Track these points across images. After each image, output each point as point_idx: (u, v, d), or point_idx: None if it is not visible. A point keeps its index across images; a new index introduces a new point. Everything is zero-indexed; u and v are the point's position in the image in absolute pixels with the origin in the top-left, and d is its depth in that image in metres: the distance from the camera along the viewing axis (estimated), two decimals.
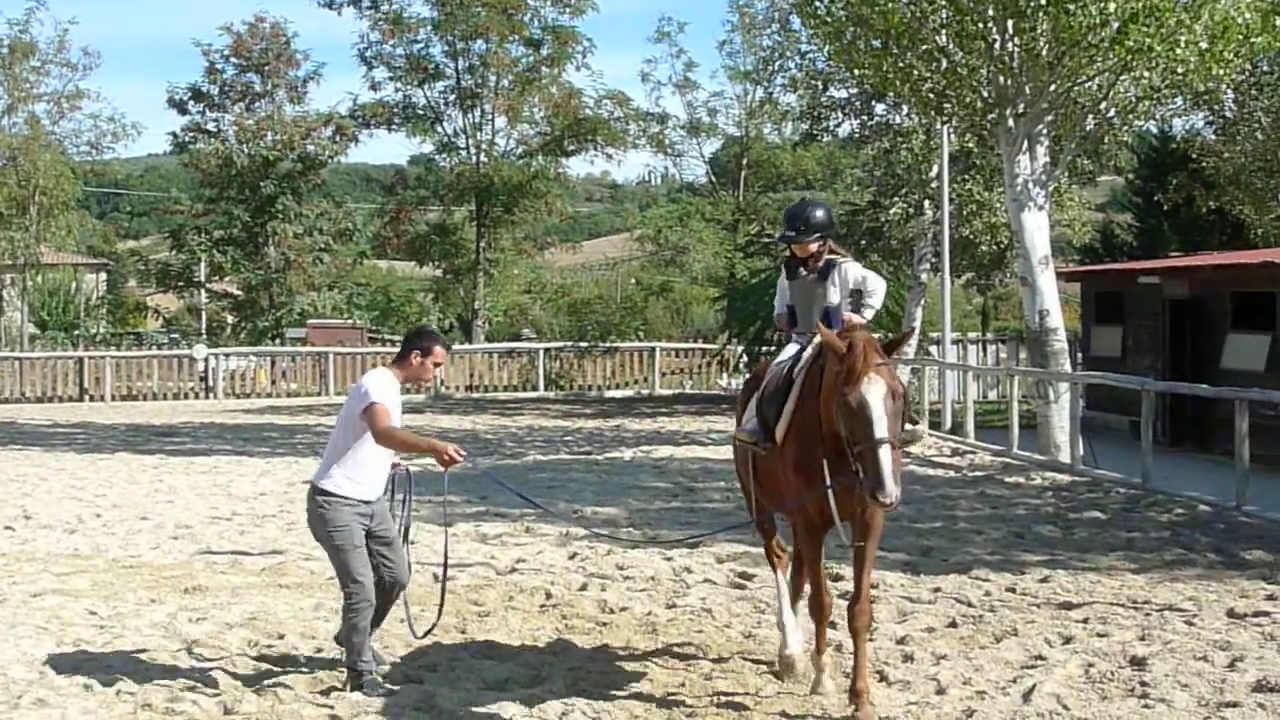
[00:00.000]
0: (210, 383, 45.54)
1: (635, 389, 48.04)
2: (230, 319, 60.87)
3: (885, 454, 8.73)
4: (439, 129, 56.90)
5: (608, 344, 50.25)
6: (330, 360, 45.63)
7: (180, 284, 59.98)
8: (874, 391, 8.87)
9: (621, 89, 58.25)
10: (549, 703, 9.85)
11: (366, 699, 9.89)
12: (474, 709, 9.77)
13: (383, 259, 73.97)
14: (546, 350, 49.42)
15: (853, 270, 10.62)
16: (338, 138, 57.60)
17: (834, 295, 10.56)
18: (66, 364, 45.72)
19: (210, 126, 57.84)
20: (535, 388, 47.30)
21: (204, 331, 61.24)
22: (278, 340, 52.89)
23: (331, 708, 9.82)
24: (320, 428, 33.65)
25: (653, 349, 49.61)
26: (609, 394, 46.96)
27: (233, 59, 56.90)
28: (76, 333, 61.72)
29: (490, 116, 56.48)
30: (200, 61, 57.52)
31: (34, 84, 57.81)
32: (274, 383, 45.84)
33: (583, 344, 49.93)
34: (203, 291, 61.64)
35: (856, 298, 10.52)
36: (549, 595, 13.28)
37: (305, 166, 57.20)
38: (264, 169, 55.91)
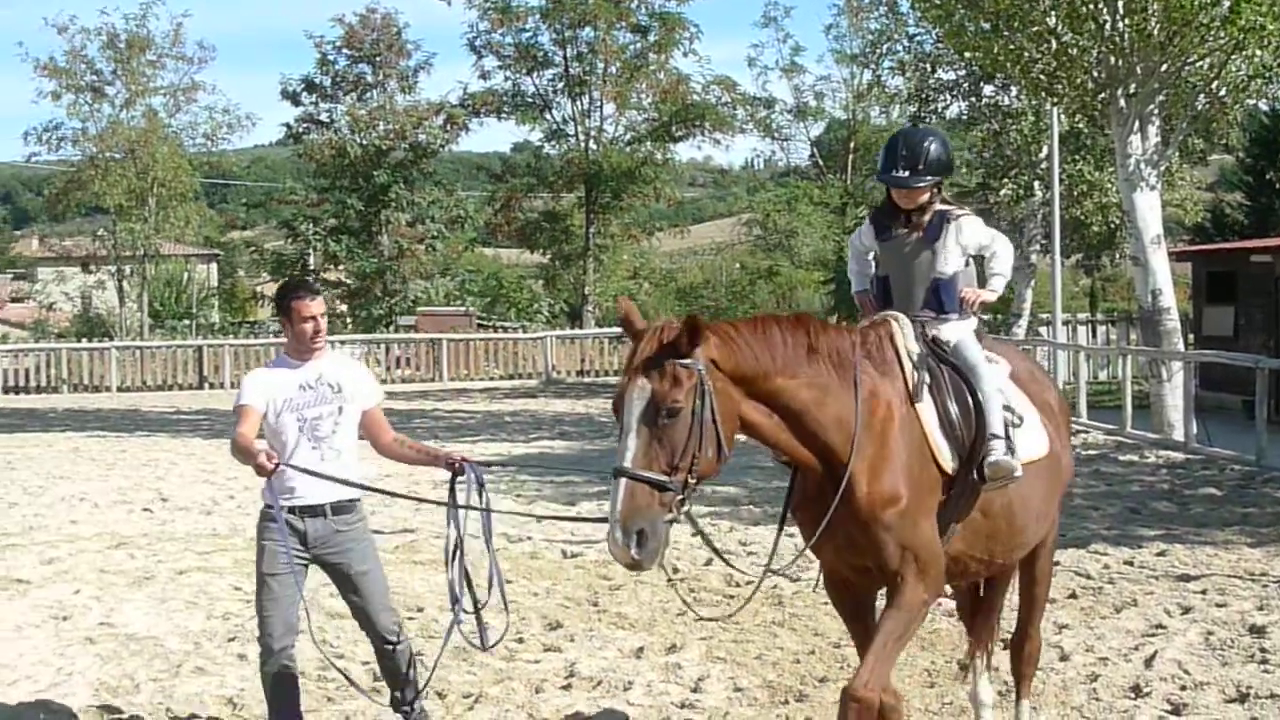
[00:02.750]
0: None
1: None
2: (343, 307, 61.69)
3: (620, 490, 6.31)
4: (548, 116, 57.48)
5: None
6: (444, 347, 46.15)
7: (295, 273, 60.87)
8: (629, 400, 6.43)
9: (728, 74, 58.35)
10: (686, 669, 10.26)
11: (508, 664, 10.27)
12: (616, 675, 10.18)
13: (492, 246, 74.63)
14: None
15: (973, 227, 7.80)
16: (448, 126, 58.18)
17: (947, 262, 7.72)
18: (186, 353, 46.51)
19: (323, 117, 58.70)
20: None
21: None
22: (390, 328, 53.57)
23: (475, 675, 10.23)
24: (437, 413, 34.30)
25: None
26: None
27: (345, 50, 57.63)
28: (187, 322, 62.86)
29: (598, 103, 56.96)
30: (313, 53, 58.41)
31: (151, 77, 59.12)
32: (389, 369, 46.40)
33: None
34: (316, 280, 62.50)
35: (978, 267, 8.03)
36: (675, 570, 13.58)
37: (416, 155, 57.81)
38: (376, 158, 56.61)
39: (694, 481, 6.44)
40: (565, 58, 56.43)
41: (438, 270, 59.94)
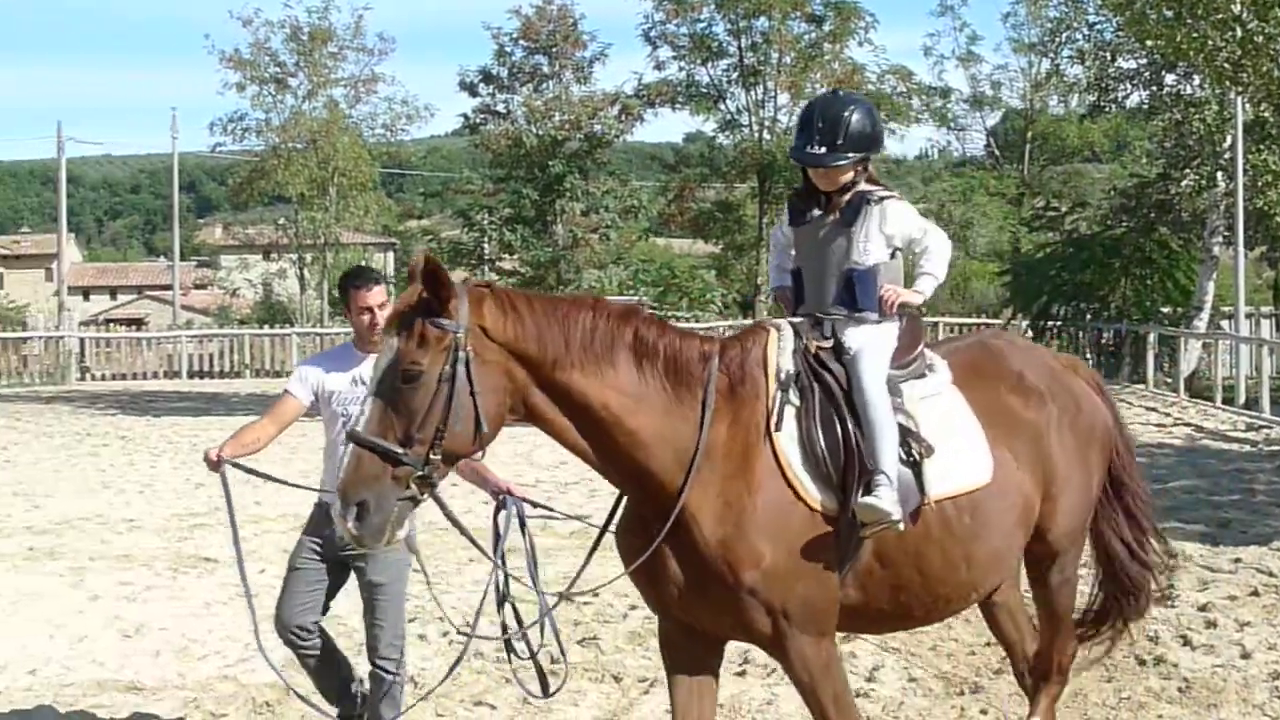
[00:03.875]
0: None
1: None
2: None
3: (347, 456, 5.79)
4: (722, 107, 57.51)
5: None
6: None
7: (471, 262, 61.49)
8: (378, 359, 5.90)
9: (904, 63, 57.93)
10: (861, 659, 10.29)
11: None
12: None
13: (664, 236, 74.82)
14: None
15: (901, 215, 6.64)
16: (623, 117, 58.42)
17: (866, 251, 6.58)
18: None
19: (500, 108, 59.20)
20: None
21: None
22: None
23: (650, 660, 10.32)
24: None
25: (935, 324, 49.39)
26: None
27: (522, 42, 58.05)
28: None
29: (772, 93, 56.89)
30: (490, 45, 58.97)
31: (332, 69, 60.30)
32: None
33: None
34: (490, 269, 63.12)
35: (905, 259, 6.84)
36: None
37: (591, 146, 58.10)
38: (551, 148, 56.95)
39: (437, 458, 5.73)
40: (740, 48, 56.44)
41: (611, 260, 60.15)
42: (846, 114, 6.50)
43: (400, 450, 5.66)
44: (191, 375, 46.22)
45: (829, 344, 6.47)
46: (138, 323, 74.78)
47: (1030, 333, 43.76)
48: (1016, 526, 6.81)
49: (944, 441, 6.42)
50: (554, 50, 57.75)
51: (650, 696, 9.69)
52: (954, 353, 7.14)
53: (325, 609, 8.21)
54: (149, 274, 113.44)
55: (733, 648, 10.37)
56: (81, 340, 50.08)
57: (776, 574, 5.99)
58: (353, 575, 8.33)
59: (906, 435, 6.29)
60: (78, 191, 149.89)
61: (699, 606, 6.20)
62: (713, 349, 6.26)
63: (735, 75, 56.97)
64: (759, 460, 6.08)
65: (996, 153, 63.74)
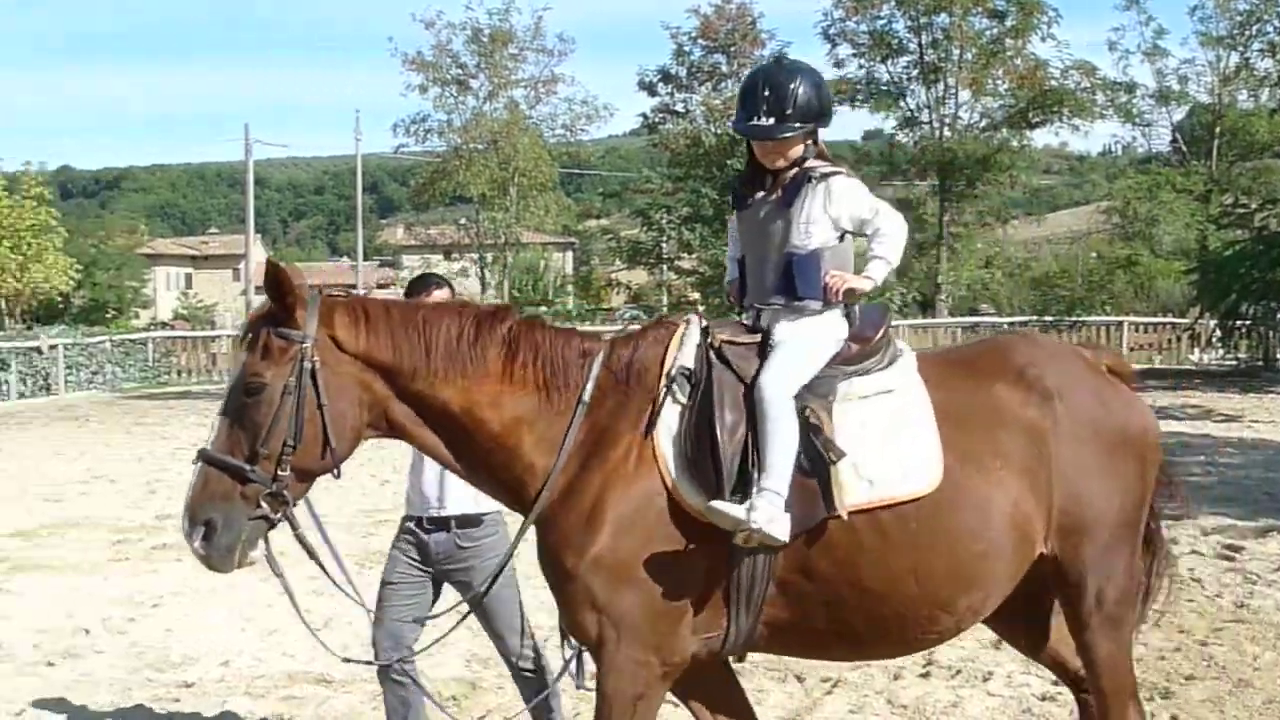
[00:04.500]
0: None
1: None
2: (695, 295, 62.31)
3: (194, 474, 5.52)
4: (901, 104, 57.14)
5: (1073, 318, 49.60)
6: None
7: (650, 261, 61.68)
8: (231, 377, 5.74)
9: (1087, 58, 56.99)
10: None
11: None
12: (975, 664, 10.16)
13: None
14: (1010, 324, 48.99)
15: (848, 194, 6.03)
16: None
17: (808, 233, 5.99)
18: None
19: (678, 107, 59.38)
20: None
21: (668, 307, 62.92)
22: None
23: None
24: None
25: (1120, 323, 48.63)
26: None
27: (700, 41, 58.19)
28: (544, 309, 64.37)
29: (953, 90, 56.35)
30: (669, 44, 59.15)
31: (512, 70, 60.88)
32: None
33: (1047, 318, 49.38)
34: (669, 268, 63.25)
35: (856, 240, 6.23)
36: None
37: None
38: (730, 147, 56.93)
39: (285, 474, 5.45)
40: (920, 44, 56.05)
41: None
42: (794, 84, 5.99)
43: (247, 467, 5.41)
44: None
45: (751, 338, 5.92)
46: None
47: (1219, 331, 42.91)
48: (994, 536, 5.92)
49: (878, 444, 5.77)
50: (733, 49, 57.79)
51: (833, 696, 9.68)
52: (951, 350, 6.89)
53: (422, 624, 7.76)
54: (332, 274, 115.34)
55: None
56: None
57: (609, 566, 5.53)
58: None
59: (813, 438, 5.65)
60: (264, 193, 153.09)
61: (561, 607, 5.82)
62: (596, 347, 5.90)
63: (915, 72, 56.60)
64: (630, 457, 5.65)
65: (1183, 148, 62.38)
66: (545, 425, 5.73)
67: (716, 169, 56.78)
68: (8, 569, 14.40)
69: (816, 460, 5.62)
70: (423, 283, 7.89)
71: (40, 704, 9.68)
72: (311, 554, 5.91)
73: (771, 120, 5.94)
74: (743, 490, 5.53)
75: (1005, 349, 6.35)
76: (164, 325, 66.60)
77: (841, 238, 6.03)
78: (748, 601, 5.69)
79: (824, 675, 10.05)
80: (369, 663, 7.36)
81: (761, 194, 6.11)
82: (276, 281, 5.51)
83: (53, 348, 40.07)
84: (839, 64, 57.20)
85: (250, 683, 10.37)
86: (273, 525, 5.53)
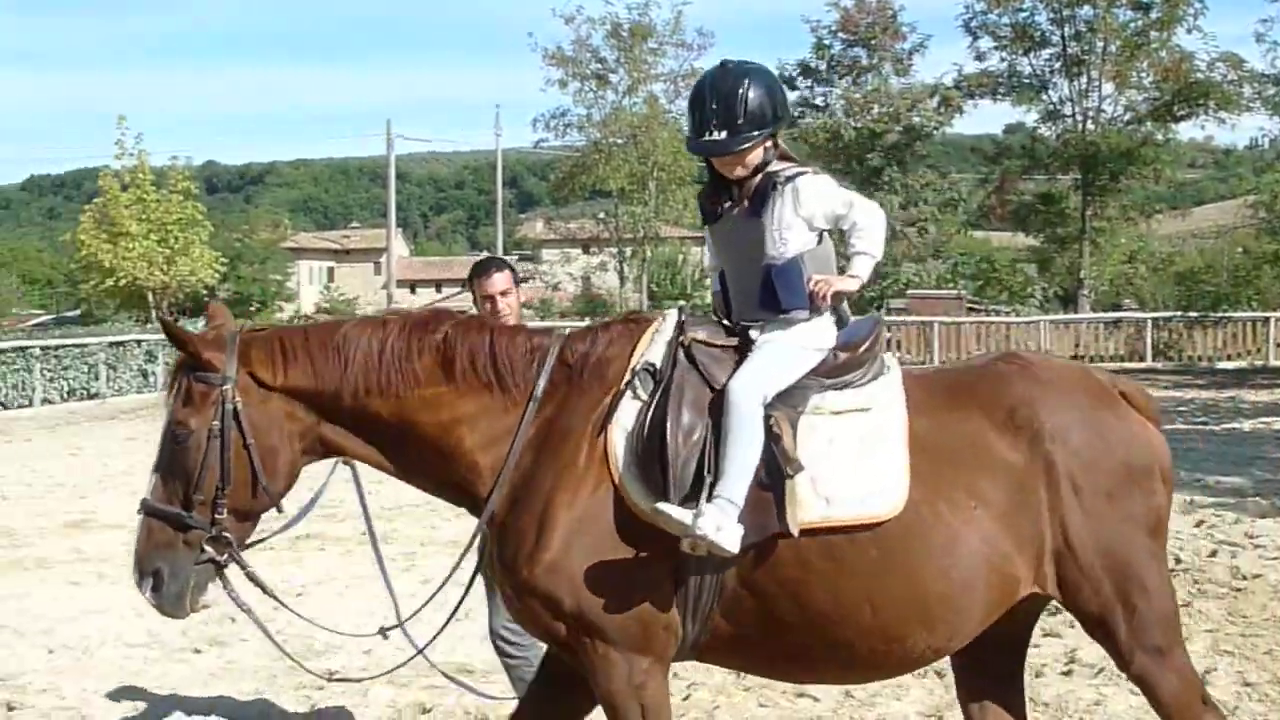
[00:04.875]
0: None
1: (1248, 360, 46.33)
2: None
3: (139, 526, 5.56)
4: (1044, 97, 56.58)
5: (1218, 314, 48.77)
6: (934, 330, 46.02)
7: None
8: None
9: (1234, 50, 56.00)
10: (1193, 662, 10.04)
11: None
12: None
13: (983, 229, 73.93)
14: (1154, 320, 48.26)
15: (816, 192, 5.70)
16: (943, 109, 57.94)
17: (784, 241, 5.67)
18: None
19: (818, 101, 59.27)
20: (1142, 358, 46.21)
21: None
22: (882, 310, 53.78)
23: None
24: None
25: (1266, 319, 47.73)
26: (1220, 365, 45.53)
27: (840, 34, 58.02)
28: (683, 303, 64.42)
29: (1097, 83, 55.68)
30: (808, 38, 59.03)
31: (652, 65, 61.01)
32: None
33: (1192, 314, 48.60)
34: None
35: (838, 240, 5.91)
36: (1178, 560, 13.20)
37: (910, 138, 57.78)
38: (870, 141, 56.84)
39: (222, 517, 5.44)
40: (1063, 37, 55.47)
41: (929, 253, 59.75)
42: (742, 89, 5.61)
43: (185, 514, 5.41)
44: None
45: (727, 341, 5.70)
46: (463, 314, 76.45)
47: None
48: (962, 575, 5.57)
49: (843, 462, 5.48)
50: (873, 42, 57.57)
51: None
52: (944, 372, 6.45)
53: None
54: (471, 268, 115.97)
55: (1058, 648, 10.29)
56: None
57: (568, 572, 5.37)
58: None
59: (773, 448, 5.39)
60: (405, 187, 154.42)
61: (518, 615, 5.76)
62: (546, 342, 5.72)
63: (1058, 65, 56.03)
64: (583, 454, 5.48)
65: None
66: (490, 423, 5.61)
67: (856, 163, 56.63)
68: None
69: (775, 472, 5.37)
70: (483, 267, 7.88)
71: (188, 690, 9.87)
72: (264, 589, 5.76)
73: (724, 133, 5.61)
74: (696, 496, 5.29)
75: (1000, 382, 5.86)
76: (307, 319, 67.41)
77: (820, 238, 5.74)
78: (694, 609, 5.47)
79: None
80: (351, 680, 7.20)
81: (729, 204, 5.79)
82: (171, 336, 5.56)
83: None
84: (980, 57, 56.85)
85: (393, 673, 10.50)
86: (222, 567, 5.50)
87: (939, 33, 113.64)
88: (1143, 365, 45.46)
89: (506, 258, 8.07)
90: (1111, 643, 5.84)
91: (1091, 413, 5.83)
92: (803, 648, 5.60)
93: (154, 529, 5.43)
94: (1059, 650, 10.40)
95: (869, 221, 5.66)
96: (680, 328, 5.62)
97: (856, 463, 5.47)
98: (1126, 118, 55.87)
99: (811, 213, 5.63)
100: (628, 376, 5.52)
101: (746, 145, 5.61)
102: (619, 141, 60.08)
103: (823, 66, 58.64)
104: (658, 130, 59.51)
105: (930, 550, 5.51)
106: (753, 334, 5.68)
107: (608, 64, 60.82)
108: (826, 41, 58.25)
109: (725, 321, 5.83)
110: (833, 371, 5.66)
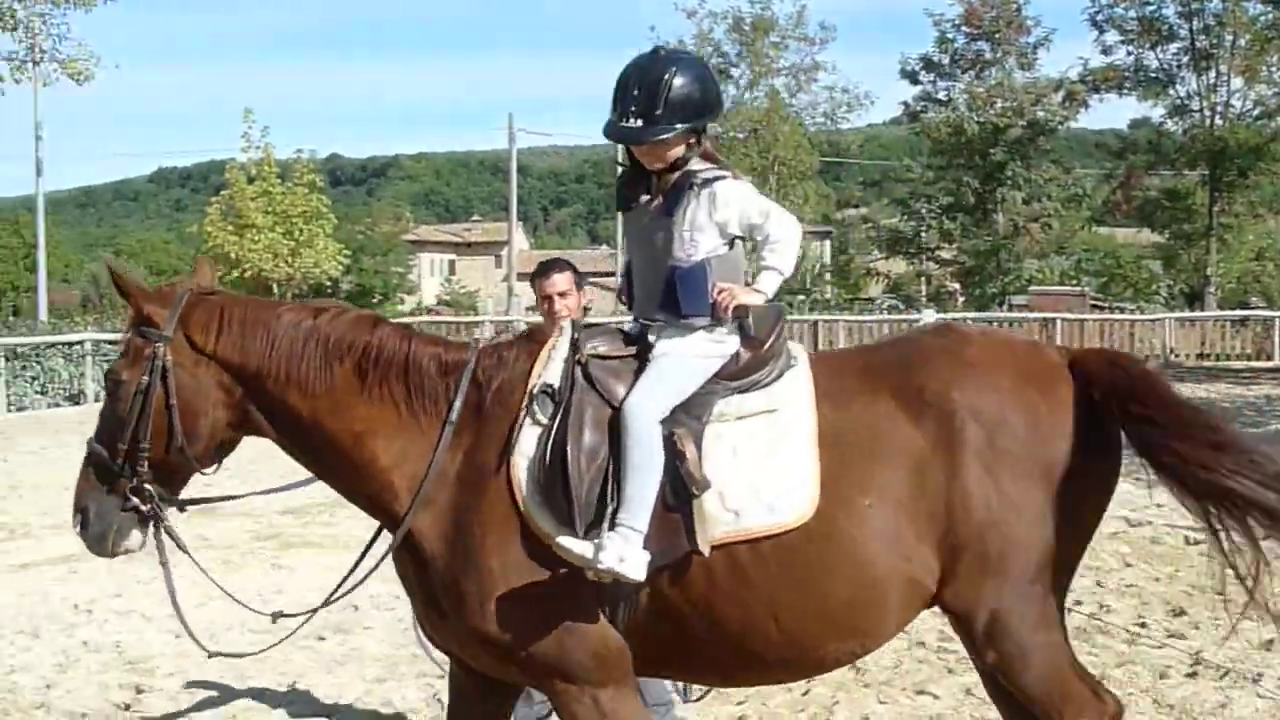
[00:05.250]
0: None
1: None
2: (955, 285, 61.72)
3: (81, 466, 5.66)
4: (1170, 91, 55.83)
5: None
6: (1057, 327, 45.55)
7: (910, 250, 61.32)
8: None
9: None
10: None
11: (1131, 648, 10.15)
12: (1245, 665, 9.91)
13: (1107, 225, 73.15)
14: None
15: (735, 198, 5.41)
16: (1068, 103, 57.39)
17: (693, 243, 5.42)
18: (801, 328, 47.59)
19: (941, 95, 58.91)
20: (1270, 357, 45.47)
21: (926, 297, 62.42)
22: (1003, 306, 53.31)
23: (1097, 656, 10.12)
24: None
25: None
26: None
27: (964, 28, 57.63)
28: (802, 298, 64.31)
29: (1225, 77, 54.90)
30: (932, 32, 58.69)
31: (774, 59, 60.96)
32: None
33: None
34: (928, 257, 62.76)
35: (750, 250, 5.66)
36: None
37: (1034, 133, 57.28)
38: (993, 136, 56.41)
39: (143, 470, 5.44)
40: (1191, 31, 54.74)
41: (1053, 249, 59.20)
42: (667, 77, 5.33)
43: (112, 462, 5.45)
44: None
45: (625, 352, 5.49)
46: (585, 310, 76.75)
47: None
48: (867, 581, 5.32)
49: (749, 471, 5.26)
50: (997, 36, 57.13)
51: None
52: (867, 350, 5.99)
53: None
54: (591, 261, 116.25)
55: (1182, 649, 10.17)
56: (528, 325, 51.73)
57: (511, 619, 5.21)
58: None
59: (678, 467, 5.17)
60: (526, 181, 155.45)
61: (448, 640, 5.58)
62: (463, 359, 5.49)
63: (1185, 59, 55.27)
64: (493, 484, 5.29)
65: None
66: (404, 444, 5.44)
67: (979, 157, 56.24)
68: (279, 546, 14.87)
69: (681, 491, 5.15)
70: (544, 267, 7.78)
71: (312, 676, 9.99)
72: (181, 547, 5.77)
73: (640, 121, 5.35)
74: (600, 522, 5.11)
75: (919, 358, 5.55)
76: (428, 311, 68.00)
77: (731, 244, 5.46)
78: (614, 623, 5.30)
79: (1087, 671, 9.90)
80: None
81: (646, 198, 5.53)
82: (115, 284, 5.61)
83: None
84: (1106, 51, 56.24)
85: None
86: (147, 518, 5.53)
87: (1064, 26, 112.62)
88: (1270, 364, 44.73)
89: (569, 259, 7.94)
90: (979, 653, 5.53)
91: (1016, 393, 5.44)
92: (715, 659, 5.48)
93: (88, 470, 5.51)
94: (1183, 652, 10.28)
95: (783, 235, 5.40)
96: (574, 345, 5.41)
97: (763, 469, 5.25)
98: (1256, 113, 55.08)
99: (726, 219, 5.38)
100: (526, 400, 5.32)
101: (663, 137, 5.36)
102: (740, 135, 60.07)
103: (946, 60, 58.29)
104: (779, 125, 59.49)
105: (829, 555, 5.26)
106: (651, 337, 5.46)
107: (729, 58, 60.90)
108: (950, 35, 57.91)
109: (627, 317, 5.70)
110: (737, 373, 5.44)
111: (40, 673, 10.00)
